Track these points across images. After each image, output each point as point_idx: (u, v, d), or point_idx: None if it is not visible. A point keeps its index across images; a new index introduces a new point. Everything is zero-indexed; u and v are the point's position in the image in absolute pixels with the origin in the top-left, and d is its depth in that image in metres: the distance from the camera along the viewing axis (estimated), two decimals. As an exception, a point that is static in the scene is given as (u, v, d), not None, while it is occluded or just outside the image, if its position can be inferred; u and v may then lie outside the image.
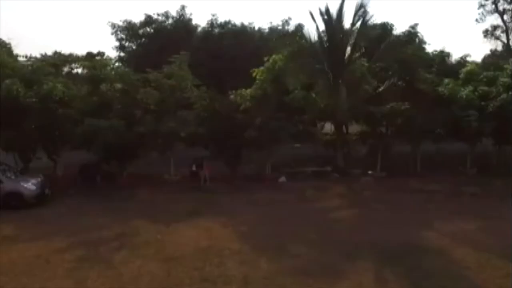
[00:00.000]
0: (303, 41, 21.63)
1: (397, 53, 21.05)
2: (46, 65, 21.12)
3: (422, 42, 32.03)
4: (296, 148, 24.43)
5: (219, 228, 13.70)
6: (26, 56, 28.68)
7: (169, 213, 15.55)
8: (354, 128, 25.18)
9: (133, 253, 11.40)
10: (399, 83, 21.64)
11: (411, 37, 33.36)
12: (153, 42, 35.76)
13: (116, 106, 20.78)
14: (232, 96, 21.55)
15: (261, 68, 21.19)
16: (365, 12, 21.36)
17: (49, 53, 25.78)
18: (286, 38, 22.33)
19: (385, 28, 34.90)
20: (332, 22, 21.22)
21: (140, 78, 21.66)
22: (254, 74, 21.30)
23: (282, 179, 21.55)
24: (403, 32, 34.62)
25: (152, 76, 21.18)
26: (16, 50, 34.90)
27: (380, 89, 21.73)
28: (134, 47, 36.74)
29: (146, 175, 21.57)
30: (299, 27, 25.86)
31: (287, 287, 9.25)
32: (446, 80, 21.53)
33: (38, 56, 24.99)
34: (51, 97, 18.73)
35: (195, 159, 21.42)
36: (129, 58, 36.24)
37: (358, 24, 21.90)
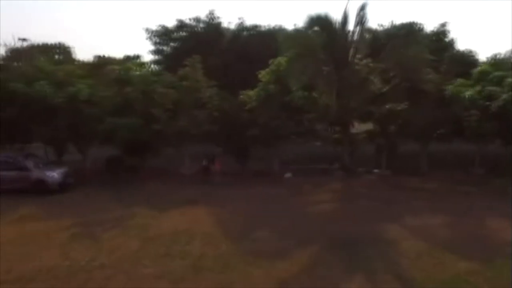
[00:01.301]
0: (307, 42, 22.48)
1: (399, 54, 21.40)
2: (77, 68, 23.74)
3: (452, 41, 32.16)
4: (307, 146, 25.49)
5: (204, 215, 15.27)
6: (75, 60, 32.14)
7: (169, 201, 17.30)
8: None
9: (121, 232, 13.27)
10: (403, 83, 21.94)
11: (440, 36, 33.33)
12: (185, 45, 38.19)
13: (137, 106, 22.89)
14: (241, 96, 23.06)
15: (266, 70, 22.51)
16: (365, 15, 21.93)
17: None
18: (290, 40, 23.30)
19: (412, 28, 35.00)
20: (333, 26, 22.00)
21: (160, 80, 23.74)
22: (260, 76, 22.66)
23: (288, 175, 22.78)
24: (432, 31, 34.66)
25: (168, 78, 23.22)
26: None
27: (384, 90, 22.23)
28: (168, 50, 39.24)
29: (164, 169, 23.66)
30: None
31: (230, 263, 10.61)
32: (459, 80, 21.72)
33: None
34: (78, 98, 21.16)
35: (206, 155, 23.14)
36: (164, 60, 38.83)
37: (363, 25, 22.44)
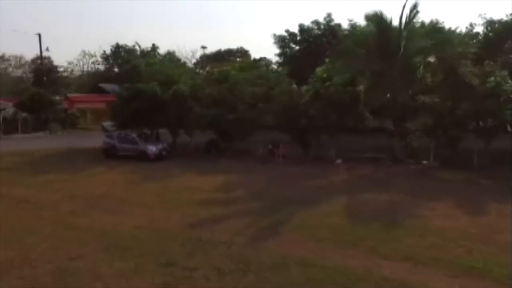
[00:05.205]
0: (361, 38, 24.80)
1: (440, 49, 21.98)
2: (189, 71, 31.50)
3: None
4: (366, 137, 27.49)
5: (223, 179, 20.41)
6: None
7: (217, 171, 22.83)
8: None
9: (158, 183, 19.60)
10: (449, 77, 22.29)
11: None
12: (306, 47, 43.09)
13: (226, 100, 29.09)
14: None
15: (320, 68, 25.91)
16: (417, 12, 23.09)
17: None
18: (347, 37, 25.78)
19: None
20: (386, 23, 23.79)
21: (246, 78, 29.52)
22: (318, 73, 26.18)
23: (338, 161, 25.70)
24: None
25: (250, 76, 28.85)
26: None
27: (430, 84, 23.11)
28: (291, 53, 44.55)
29: (245, 151, 29.26)
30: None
31: (184, 204, 15.53)
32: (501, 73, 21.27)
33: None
34: (180, 94, 28.62)
35: (272, 140, 27.92)
36: (289, 62, 44.25)
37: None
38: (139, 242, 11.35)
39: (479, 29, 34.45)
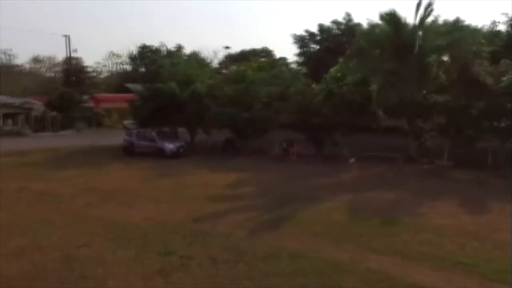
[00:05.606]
0: (375, 37, 24.88)
1: (454, 47, 21.85)
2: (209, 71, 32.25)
3: None
4: (381, 136, 27.51)
5: (235, 177, 20.93)
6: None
7: (231, 169, 23.39)
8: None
9: (172, 180, 20.26)
10: (463, 76, 22.10)
11: None
12: (325, 47, 43.22)
13: (242, 99, 29.65)
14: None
15: (334, 67, 26.10)
16: (431, 10, 23.04)
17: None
18: (363, 36, 25.91)
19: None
20: (400, 21, 23.81)
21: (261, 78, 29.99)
22: (331, 72, 26.39)
23: (352, 160, 25.84)
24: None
25: (266, 76, 29.33)
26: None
27: (445, 83, 22.99)
28: (311, 52, 44.79)
29: (260, 150, 29.77)
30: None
31: (191, 199, 16.16)
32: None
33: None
34: (198, 93, 29.38)
35: (287, 139, 28.32)
36: (308, 62, 44.51)
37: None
38: (144, 233, 12.00)
39: (502, 27, 33.73)
